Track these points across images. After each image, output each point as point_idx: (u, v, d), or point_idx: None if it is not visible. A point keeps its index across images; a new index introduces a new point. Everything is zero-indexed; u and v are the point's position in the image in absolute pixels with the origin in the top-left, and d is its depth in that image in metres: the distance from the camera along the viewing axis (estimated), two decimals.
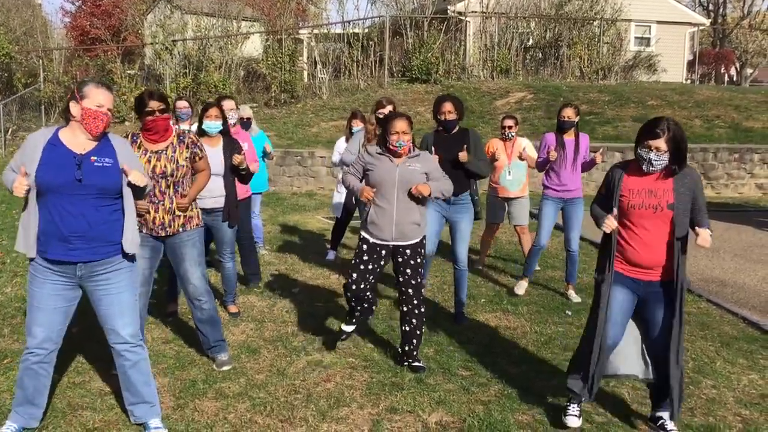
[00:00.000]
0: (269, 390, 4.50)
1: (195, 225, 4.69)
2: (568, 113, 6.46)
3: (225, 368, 4.81)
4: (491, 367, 4.94)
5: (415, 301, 4.85)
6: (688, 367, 5.01)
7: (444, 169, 5.57)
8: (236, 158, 5.57)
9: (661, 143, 3.66)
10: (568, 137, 6.54)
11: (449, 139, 5.72)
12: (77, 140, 3.61)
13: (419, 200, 4.73)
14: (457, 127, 5.75)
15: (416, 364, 4.85)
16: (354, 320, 4.98)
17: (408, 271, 4.81)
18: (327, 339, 5.35)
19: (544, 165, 6.57)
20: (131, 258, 3.79)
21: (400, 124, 4.66)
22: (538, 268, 7.90)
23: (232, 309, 6.05)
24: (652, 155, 3.69)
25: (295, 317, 5.99)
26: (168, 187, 4.51)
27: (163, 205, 4.51)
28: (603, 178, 4.04)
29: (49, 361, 3.77)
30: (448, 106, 5.67)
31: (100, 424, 4.00)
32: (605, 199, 3.96)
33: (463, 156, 5.59)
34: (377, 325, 5.71)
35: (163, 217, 4.53)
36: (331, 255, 8.17)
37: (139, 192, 3.77)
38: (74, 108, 3.59)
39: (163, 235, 4.57)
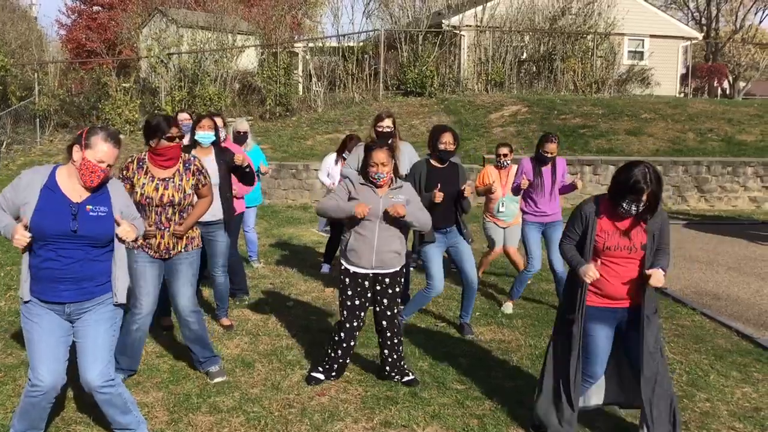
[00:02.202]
0: (264, 404, 4.49)
1: (196, 245, 4.78)
2: (551, 149, 6.47)
3: (218, 380, 4.81)
4: (486, 380, 4.94)
5: (389, 333, 4.84)
6: (682, 380, 5.02)
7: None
8: (237, 158, 5.67)
9: (644, 197, 3.68)
10: (546, 167, 6.57)
11: (442, 172, 5.72)
12: (75, 186, 3.55)
13: (396, 222, 4.68)
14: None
15: (408, 378, 4.85)
16: (327, 370, 4.88)
17: (385, 300, 4.78)
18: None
19: (518, 191, 6.63)
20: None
21: (380, 156, 4.60)
22: (531, 281, 7.92)
23: (225, 322, 6.04)
24: (633, 207, 3.71)
25: (289, 331, 5.98)
26: (174, 214, 4.58)
27: (169, 231, 4.59)
28: (572, 215, 4.01)
29: (55, 394, 3.65)
30: (449, 137, 5.65)
31: None
32: (578, 238, 3.95)
33: (468, 191, 5.63)
34: (371, 339, 5.71)
35: (168, 242, 4.60)
36: (325, 268, 8.17)
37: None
38: (76, 153, 3.50)
39: (167, 257, 4.63)
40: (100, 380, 3.61)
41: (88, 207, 3.53)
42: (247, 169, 5.81)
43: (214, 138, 5.68)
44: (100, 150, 3.47)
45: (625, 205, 3.71)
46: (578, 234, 3.94)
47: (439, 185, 5.56)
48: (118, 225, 3.59)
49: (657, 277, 3.74)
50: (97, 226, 3.54)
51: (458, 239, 5.79)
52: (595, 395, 4.14)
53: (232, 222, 6.47)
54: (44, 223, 3.43)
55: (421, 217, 4.75)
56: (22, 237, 3.37)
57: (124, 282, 3.72)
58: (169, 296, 4.82)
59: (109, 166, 3.52)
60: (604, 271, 3.86)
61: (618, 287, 3.85)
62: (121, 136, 16.22)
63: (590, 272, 3.78)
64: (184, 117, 7.30)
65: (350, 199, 4.68)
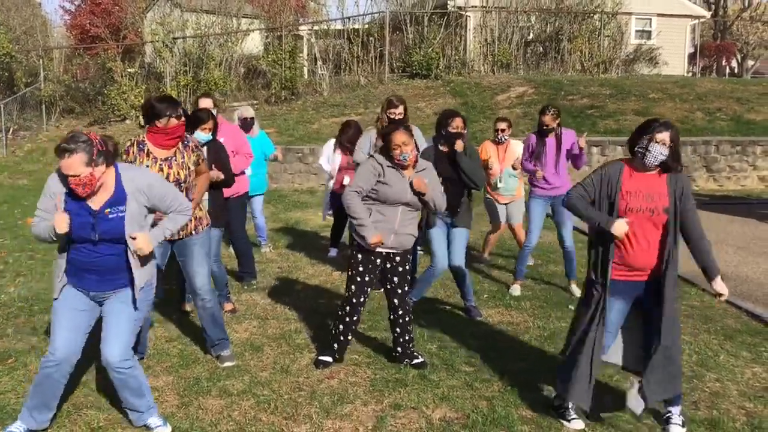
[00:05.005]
0: (273, 387, 4.51)
1: (205, 225, 4.77)
2: (547, 120, 6.46)
3: (228, 364, 4.83)
4: (495, 362, 4.94)
5: (400, 311, 4.86)
6: (691, 360, 5.01)
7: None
8: (212, 174, 5.58)
9: (666, 137, 3.74)
10: (550, 138, 6.54)
11: (449, 158, 5.66)
12: None
13: (418, 203, 4.72)
14: None
15: (417, 360, 4.85)
16: (333, 351, 4.90)
17: (395, 279, 4.81)
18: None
19: (527, 171, 6.69)
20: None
21: (400, 137, 4.58)
22: (539, 262, 7.91)
23: (228, 307, 6.02)
24: (658, 147, 3.74)
25: (297, 314, 6.00)
26: (181, 192, 4.51)
27: None
28: (593, 171, 3.98)
29: (69, 368, 3.76)
30: (459, 122, 5.63)
31: (104, 423, 4.01)
32: (591, 193, 3.92)
33: (459, 145, 5.56)
34: (380, 322, 5.72)
35: None
36: (333, 252, 8.17)
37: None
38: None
39: (177, 239, 4.62)
40: (118, 358, 3.70)
41: (107, 211, 3.59)
42: (222, 185, 5.66)
43: (210, 138, 5.61)
44: (62, 167, 3.44)
45: (646, 145, 3.74)
46: (593, 189, 3.90)
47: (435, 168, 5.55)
48: (133, 239, 3.60)
49: (724, 291, 4.01)
50: (116, 228, 3.60)
51: (457, 229, 5.79)
52: (614, 354, 4.06)
53: (237, 201, 6.43)
54: (69, 230, 3.51)
55: (438, 201, 4.81)
56: (62, 219, 3.44)
57: (141, 279, 3.74)
58: (185, 277, 4.83)
59: (75, 175, 3.42)
60: (625, 238, 3.82)
61: (639, 255, 3.82)
62: (127, 121, 16.10)
63: (622, 226, 3.75)
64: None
65: (378, 183, 4.64)
